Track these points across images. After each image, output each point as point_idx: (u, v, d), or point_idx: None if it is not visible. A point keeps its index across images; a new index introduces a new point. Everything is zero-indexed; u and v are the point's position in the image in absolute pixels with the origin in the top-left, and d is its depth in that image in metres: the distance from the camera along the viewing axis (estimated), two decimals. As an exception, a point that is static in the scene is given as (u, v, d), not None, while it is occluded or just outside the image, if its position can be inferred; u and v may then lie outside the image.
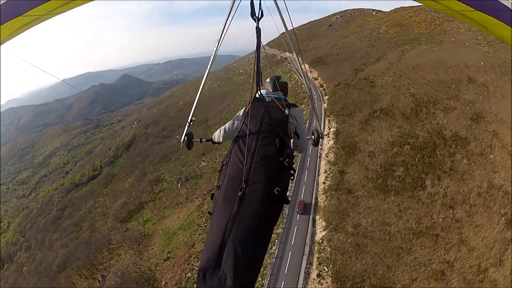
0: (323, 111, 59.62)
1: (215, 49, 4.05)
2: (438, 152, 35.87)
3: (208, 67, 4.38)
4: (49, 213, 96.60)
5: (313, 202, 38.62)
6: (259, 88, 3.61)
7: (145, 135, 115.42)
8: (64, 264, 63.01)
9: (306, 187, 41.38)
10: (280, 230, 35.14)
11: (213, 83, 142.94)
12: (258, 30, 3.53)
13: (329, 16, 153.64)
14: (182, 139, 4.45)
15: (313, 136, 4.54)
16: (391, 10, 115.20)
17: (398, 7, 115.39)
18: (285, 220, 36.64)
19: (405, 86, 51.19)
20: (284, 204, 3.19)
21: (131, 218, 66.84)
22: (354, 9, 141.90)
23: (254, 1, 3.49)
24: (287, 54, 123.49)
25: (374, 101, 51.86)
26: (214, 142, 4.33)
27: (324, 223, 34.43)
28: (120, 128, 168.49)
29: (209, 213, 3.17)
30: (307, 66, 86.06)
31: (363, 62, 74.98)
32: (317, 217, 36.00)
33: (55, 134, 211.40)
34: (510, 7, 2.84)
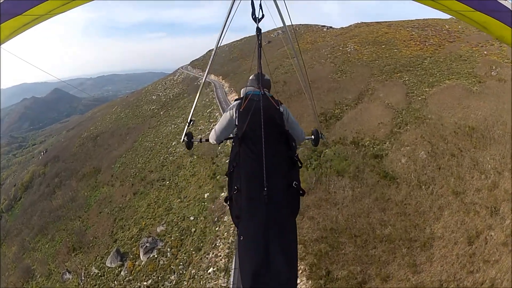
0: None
1: (215, 48, 4.19)
2: None
3: (207, 69, 4.76)
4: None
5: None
6: (261, 87, 3.75)
7: (42, 177, 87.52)
8: None
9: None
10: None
11: (122, 111, 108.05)
12: (259, 30, 3.67)
13: (268, 31, 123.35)
14: (182, 139, 4.53)
15: (312, 136, 4.74)
16: (350, 26, 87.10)
17: (359, 22, 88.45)
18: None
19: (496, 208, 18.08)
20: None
21: None
22: (299, 24, 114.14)
23: (254, 1, 3.54)
24: (212, 77, 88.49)
25: (416, 247, 18.18)
26: (213, 143, 4.23)
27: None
28: (37, 152, 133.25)
29: (237, 217, 3.19)
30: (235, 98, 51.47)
31: (335, 101, 41.53)
32: None
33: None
34: (510, 8, 2.86)
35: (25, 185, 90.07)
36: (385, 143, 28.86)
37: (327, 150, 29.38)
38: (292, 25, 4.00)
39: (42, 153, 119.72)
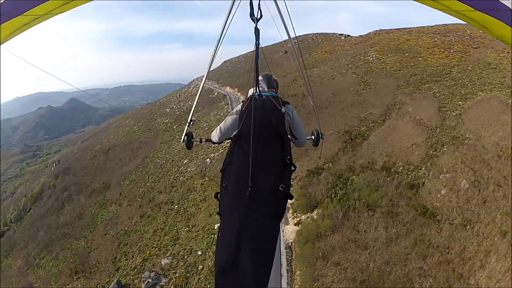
0: (284, 263, 21.10)
1: (215, 49, 4.04)
2: None
3: (207, 72, 4.52)
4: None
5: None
6: (258, 88, 3.68)
7: (52, 189, 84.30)
8: None
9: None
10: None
11: (135, 124, 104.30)
12: (257, 30, 3.55)
13: (284, 41, 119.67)
14: (182, 139, 4.46)
15: (312, 137, 4.63)
16: (369, 33, 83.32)
17: (378, 29, 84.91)
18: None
19: None
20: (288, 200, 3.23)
21: None
22: (316, 33, 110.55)
23: (253, 1, 3.50)
24: (228, 89, 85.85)
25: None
26: (213, 142, 4.15)
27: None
28: (51, 162, 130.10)
29: (218, 213, 3.18)
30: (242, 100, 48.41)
31: (360, 116, 37.77)
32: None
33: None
34: (510, 7, 2.83)
35: (35, 196, 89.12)
36: (420, 169, 24.81)
37: (354, 176, 25.58)
38: (292, 25, 3.81)
39: (55, 164, 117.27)
